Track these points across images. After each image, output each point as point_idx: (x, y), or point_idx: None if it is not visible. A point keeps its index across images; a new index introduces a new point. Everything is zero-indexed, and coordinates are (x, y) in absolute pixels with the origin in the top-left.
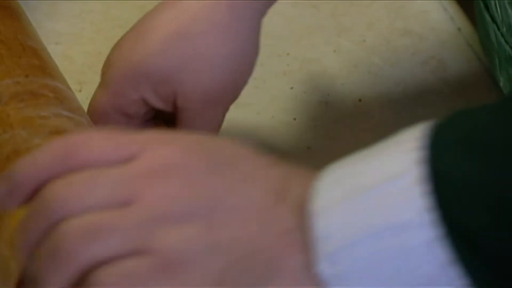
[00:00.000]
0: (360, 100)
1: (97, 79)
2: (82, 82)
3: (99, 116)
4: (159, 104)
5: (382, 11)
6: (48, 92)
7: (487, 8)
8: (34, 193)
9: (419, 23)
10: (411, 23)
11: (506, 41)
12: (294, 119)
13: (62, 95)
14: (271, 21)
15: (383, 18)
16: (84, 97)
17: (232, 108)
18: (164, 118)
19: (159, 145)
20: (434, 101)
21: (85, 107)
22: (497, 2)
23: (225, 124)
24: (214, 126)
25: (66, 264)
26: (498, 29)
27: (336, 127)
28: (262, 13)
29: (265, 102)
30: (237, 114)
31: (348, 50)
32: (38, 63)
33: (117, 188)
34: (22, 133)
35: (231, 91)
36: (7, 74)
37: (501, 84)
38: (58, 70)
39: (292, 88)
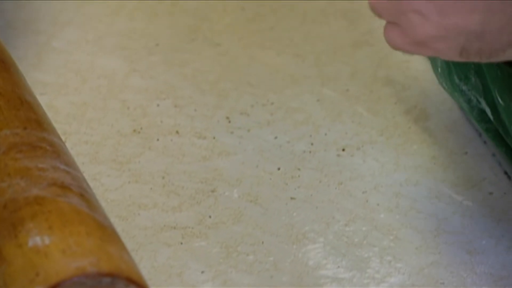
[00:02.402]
0: (343, 150)
1: (82, 129)
2: (67, 133)
3: None
4: None
5: (365, 60)
6: (46, 145)
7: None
8: None
9: (402, 73)
10: (394, 72)
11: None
12: (278, 168)
13: (58, 149)
14: (256, 71)
15: (366, 68)
16: (68, 148)
17: (216, 157)
18: None
19: None
20: (417, 150)
21: None
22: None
23: (209, 174)
24: None
25: None
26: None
27: (320, 177)
28: None
29: (249, 152)
30: (222, 164)
31: (332, 99)
32: (35, 117)
33: None
34: (20, 183)
35: None
36: (6, 125)
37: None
38: (52, 124)
39: (276, 137)
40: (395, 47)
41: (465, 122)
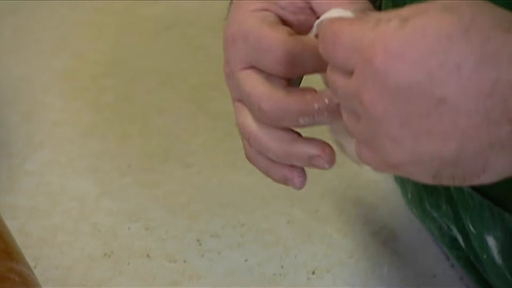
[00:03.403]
0: (313, 273)
1: (52, 253)
2: (37, 258)
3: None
4: None
5: (335, 180)
6: (14, 276)
7: None
8: None
9: (371, 193)
10: (363, 192)
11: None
12: None
13: (27, 279)
14: (227, 191)
15: (336, 188)
16: (38, 274)
17: (187, 281)
18: None
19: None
20: (387, 273)
21: (41, 283)
22: None
23: None
24: None
25: None
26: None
27: None
28: None
29: (220, 275)
30: (192, 287)
31: (302, 220)
32: (3, 246)
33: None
34: None
35: None
36: None
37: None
38: (21, 253)
39: (246, 260)
40: (366, 164)
41: (432, 243)
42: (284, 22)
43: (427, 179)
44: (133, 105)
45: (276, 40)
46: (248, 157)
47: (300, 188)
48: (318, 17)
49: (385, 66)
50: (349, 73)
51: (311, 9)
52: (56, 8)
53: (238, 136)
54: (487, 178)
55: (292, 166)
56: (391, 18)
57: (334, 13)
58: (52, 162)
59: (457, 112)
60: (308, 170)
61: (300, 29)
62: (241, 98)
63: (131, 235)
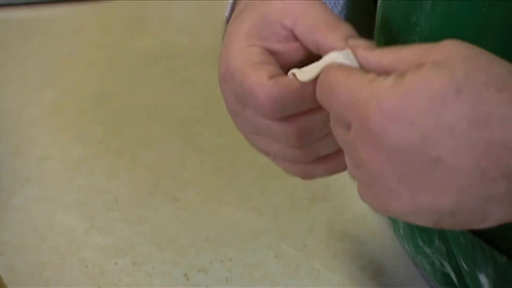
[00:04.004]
0: None
1: None
2: None
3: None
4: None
5: (322, 215)
6: None
7: None
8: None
9: (358, 227)
10: (350, 226)
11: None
12: None
13: None
14: (214, 226)
15: (323, 222)
16: None
17: None
18: None
19: None
20: None
21: None
22: None
23: None
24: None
25: None
26: None
27: None
28: None
29: None
30: None
31: (289, 255)
32: None
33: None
34: None
35: None
36: None
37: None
38: None
39: None
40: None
41: (420, 278)
42: (271, 52)
43: (428, 225)
44: (120, 139)
45: (257, 85)
46: (304, 175)
47: None
48: (300, 42)
49: (380, 126)
50: (347, 124)
51: (295, 35)
52: (44, 43)
53: (225, 171)
54: (486, 225)
55: None
56: (386, 75)
57: (333, 57)
58: (39, 197)
59: (453, 170)
60: (295, 205)
61: (286, 56)
62: (257, 131)
63: (119, 270)
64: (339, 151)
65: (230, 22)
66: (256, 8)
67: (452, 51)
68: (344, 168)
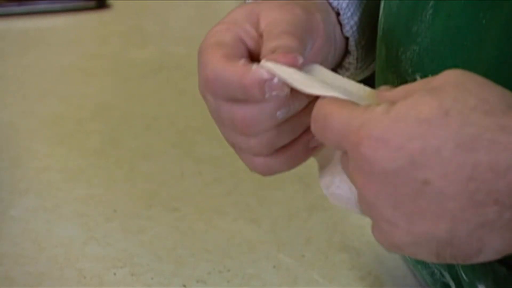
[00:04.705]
0: None
1: None
2: None
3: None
4: None
5: (320, 225)
6: None
7: None
8: None
9: (357, 238)
10: (348, 237)
11: None
12: None
13: None
14: (213, 236)
15: (321, 233)
16: None
17: None
18: None
19: None
20: None
21: None
22: None
23: None
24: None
25: None
26: None
27: None
28: None
29: None
30: None
31: (288, 266)
32: None
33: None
34: None
35: None
36: None
37: None
38: None
39: None
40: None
41: None
42: (246, 45)
43: (432, 259)
44: (119, 150)
45: (208, 60)
46: (261, 170)
47: None
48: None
49: (370, 152)
50: (345, 152)
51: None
52: (43, 53)
53: (224, 181)
54: (487, 257)
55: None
56: (380, 103)
57: (327, 91)
58: (37, 208)
59: (442, 194)
60: (293, 216)
61: (254, 56)
62: (216, 118)
63: (117, 281)
64: (295, 141)
65: None
66: (256, 4)
67: (447, 78)
68: (301, 160)
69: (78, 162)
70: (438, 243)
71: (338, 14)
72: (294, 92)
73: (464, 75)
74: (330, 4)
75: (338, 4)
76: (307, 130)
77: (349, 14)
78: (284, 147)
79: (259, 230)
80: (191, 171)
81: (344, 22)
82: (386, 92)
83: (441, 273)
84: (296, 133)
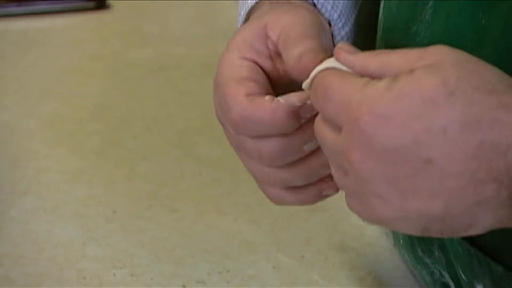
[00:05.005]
0: None
1: None
2: None
3: None
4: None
5: (320, 226)
6: None
7: None
8: None
9: (356, 239)
10: (348, 238)
11: None
12: None
13: None
14: (212, 237)
15: (321, 233)
16: None
17: None
18: None
19: None
20: None
21: None
22: None
23: None
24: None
25: None
26: None
27: None
28: None
29: None
30: None
31: (287, 266)
32: None
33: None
34: None
35: None
36: None
37: None
38: None
39: None
40: (355, 213)
41: None
42: (262, 68)
43: (415, 233)
44: (119, 150)
45: (232, 100)
46: (274, 199)
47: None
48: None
49: (371, 128)
50: (338, 128)
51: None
52: (43, 54)
53: (224, 182)
54: (474, 231)
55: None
56: (379, 79)
57: (328, 63)
58: (37, 208)
59: (443, 173)
60: (293, 216)
61: (274, 74)
62: (236, 145)
63: (117, 281)
64: (310, 185)
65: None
66: (261, 18)
67: (441, 56)
68: (313, 202)
69: (78, 163)
70: (429, 219)
71: (329, 24)
72: None
73: (455, 53)
74: (322, 14)
75: (330, 15)
76: (321, 179)
77: (340, 25)
78: (298, 188)
79: (258, 231)
80: (191, 171)
81: (335, 33)
82: (358, 59)
83: (440, 273)
84: (310, 180)
